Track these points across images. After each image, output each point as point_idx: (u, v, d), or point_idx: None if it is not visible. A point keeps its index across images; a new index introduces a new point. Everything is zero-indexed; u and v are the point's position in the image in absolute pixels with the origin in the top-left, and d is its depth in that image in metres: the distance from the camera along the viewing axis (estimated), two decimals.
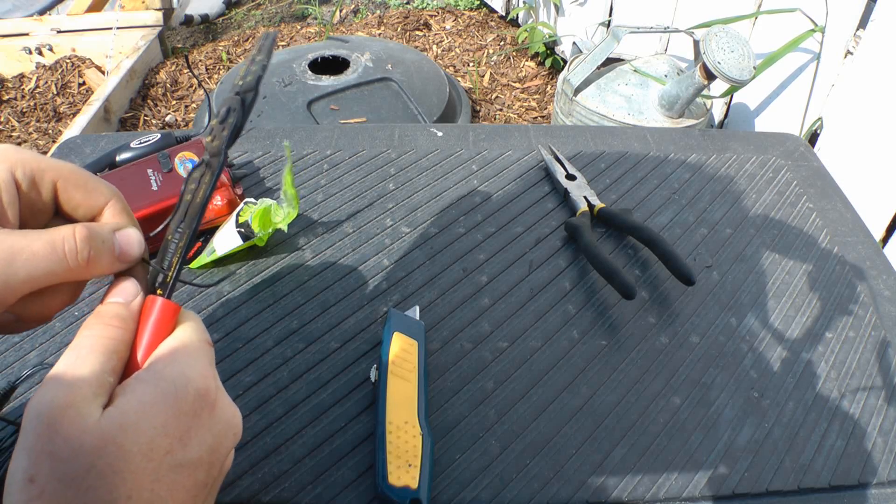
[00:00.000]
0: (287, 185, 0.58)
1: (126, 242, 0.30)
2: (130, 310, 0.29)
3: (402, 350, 0.50)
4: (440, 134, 0.76)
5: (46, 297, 0.29)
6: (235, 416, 0.29)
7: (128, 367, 0.28)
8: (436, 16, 2.67)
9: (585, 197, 0.66)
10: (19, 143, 1.96)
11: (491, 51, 2.43)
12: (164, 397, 0.26)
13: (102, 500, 0.23)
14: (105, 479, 0.24)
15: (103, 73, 2.17)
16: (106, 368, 0.27)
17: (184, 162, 0.61)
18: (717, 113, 1.71)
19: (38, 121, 2.04)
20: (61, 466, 0.23)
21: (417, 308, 0.55)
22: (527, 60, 2.37)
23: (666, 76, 1.52)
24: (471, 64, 2.35)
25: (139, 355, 0.28)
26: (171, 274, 0.30)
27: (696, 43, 1.43)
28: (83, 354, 0.27)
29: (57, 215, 0.31)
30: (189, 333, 0.29)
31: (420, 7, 2.73)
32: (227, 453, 0.29)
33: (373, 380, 0.50)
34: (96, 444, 0.24)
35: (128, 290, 0.30)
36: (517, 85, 2.26)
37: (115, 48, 2.19)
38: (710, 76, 1.35)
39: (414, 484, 0.43)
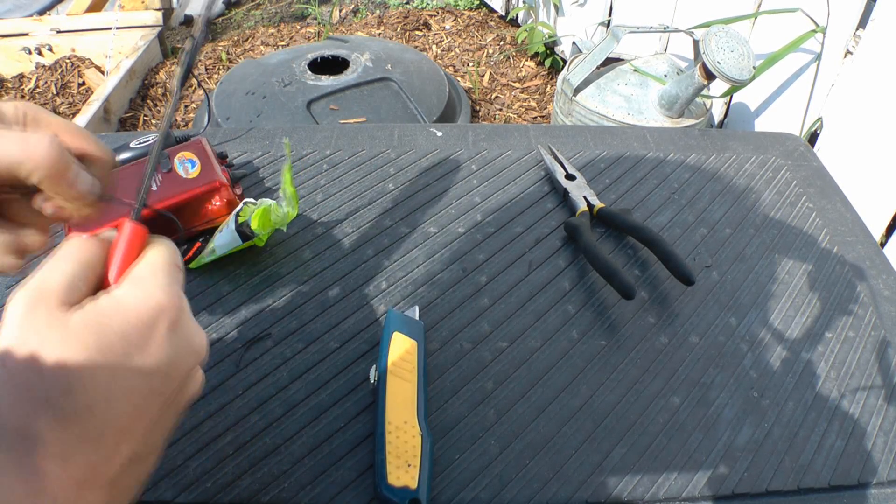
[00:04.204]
0: (286, 184, 0.58)
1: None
2: (106, 234, 0.32)
3: (401, 350, 0.50)
4: (440, 134, 0.76)
5: (18, 228, 0.33)
6: (198, 337, 0.31)
7: (101, 285, 0.30)
8: (435, 16, 2.67)
9: (585, 197, 0.66)
10: None
11: (491, 51, 2.43)
12: (126, 308, 0.28)
13: (61, 386, 0.26)
14: (66, 370, 0.26)
15: (103, 73, 2.17)
16: (78, 275, 0.29)
17: (183, 162, 0.61)
18: (717, 113, 1.71)
19: None
20: (28, 353, 0.26)
21: (417, 308, 0.55)
22: (526, 60, 2.37)
23: (665, 76, 1.52)
24: (470, 64, 2.35)
25: (111, 275, 0.30)
26: (139, 199, 0.33)
27: (695, 43, 1.43)
28: (59, 261, 0.29)
29: None
30: (158, 255, 0.32)
31: (420, 7, 2.73)
32: (187, 371, 0.30)
33: (372, 380, 0.50)
34: (60, 336, 0.26)
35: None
36: (517, 85, 2.26)
37: (114, 48, 2.19)
38: (710, 76, 1.35)
39: (413, 484, 0.43)
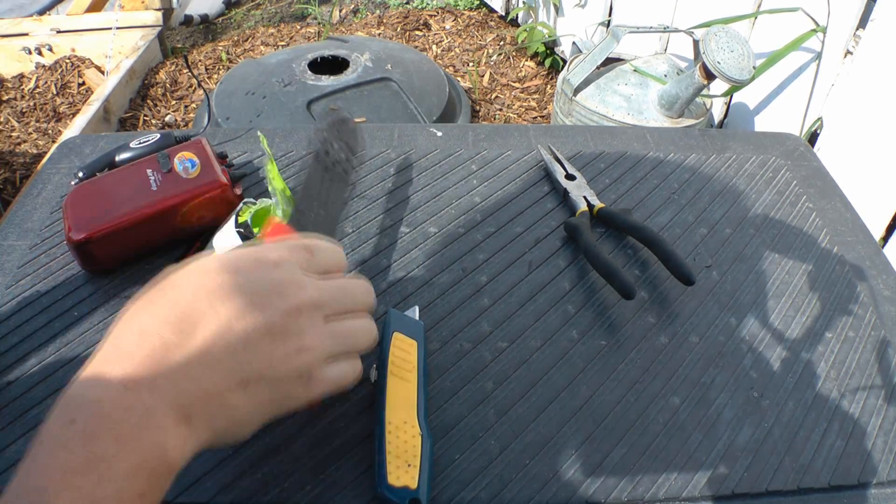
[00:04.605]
0: (275, 179, 0.58)
1: None
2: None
3: (401, 350, 0.50)
4: (440, 134, 0.76)
5: None
6: (293, 283, 0.36)
7: None
8: (435, 16, 2.66)
9: (585, 197, 0.66)
10: (19, 144, 1.96)
11: (490, 51, 2.43)
12: (247, 250, 0.36)
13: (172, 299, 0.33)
14: (174, 283, 0.34)
15: (103, 73, 2.17)
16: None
17: (183, 162, 0.61)
18: (717, 113, 1.71)
19: (37, 121, 2.04)
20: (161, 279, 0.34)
21: (417, 308, 0.55)
22: (526, 60, 2.37)
23: (665, 76, 1.52)
24: (470, 64, 2.35)
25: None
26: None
27: (695, 43, 1.43)
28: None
29: None
30: (295, 236, 0.39)
31: (420, 7, 2.73)
32: (293, 305, 0.34)
33: (372, 380, 0.50)
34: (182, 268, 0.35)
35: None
36: (517, 85, 2.26)
37: (114, 48, 2.19)
38: (710, 76, 1.35)
39: (413, 484, 0.43)
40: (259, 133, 0.57)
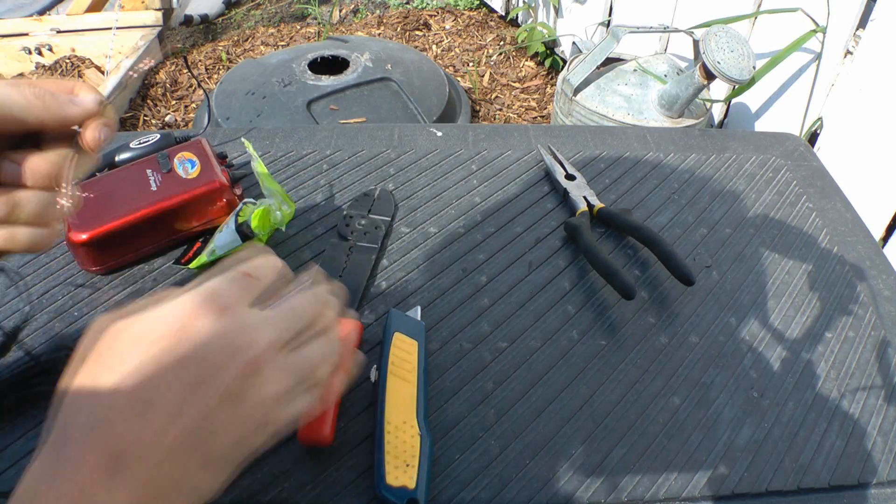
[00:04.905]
0: (267, 182, 0.58)
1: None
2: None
3: (402, 350, 0.50)
4: (440, 134, 0.76)
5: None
6: (245, 334, 0.31)
7: None
8: (435, 16, 2.66)
9: (585, 197, 0.66)
10: None
11: (491, 51, 2.43)
12: (184, 297, 0.32)
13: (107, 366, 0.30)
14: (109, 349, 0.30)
15: (103, 73, 2.16)
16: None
17: (183, 162, 0.61)
18: (717, 113, 1.71)
19: None
20: (92, 342, 0.31)
21: (419, 308, 0.55)
22: (526, 60, 2.37)
23: (666, 76, 1.52)
24: (470, 64, 2.35)
25: None
26: None
27: (695, 43, 1.43)
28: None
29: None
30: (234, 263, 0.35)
31: (420, 7, 2.73)
32: (236, 365, 0.30)
33: (372, 380, 0.50)
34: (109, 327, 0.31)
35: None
36: (517, 85, 2.26)
37: (114, 48, 2.19)
38: (710, 76, 1.35)
39: (411, 484, 0.43)
40: (243, 140, 0.57)
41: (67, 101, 0.34)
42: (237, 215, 0.58)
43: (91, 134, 0.35)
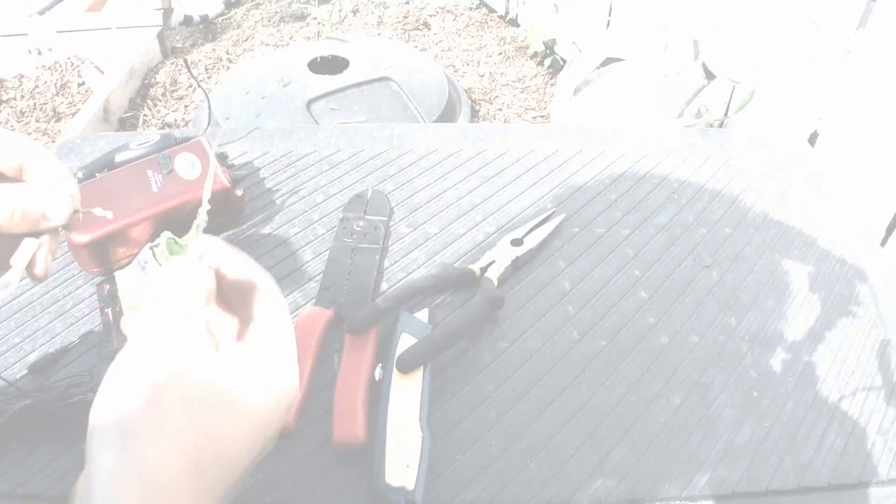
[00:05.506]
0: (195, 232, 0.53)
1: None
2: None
3: None
4: (440, 134, 0.76)
5: None
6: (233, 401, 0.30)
7: None
8: (435, 15, 2.66)
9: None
10: None
11: (491, 51, 2.43)
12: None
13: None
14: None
15: (103, 73, 2.16)
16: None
17: (184, 163, 0.61)
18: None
19: (37, 121, 2.04)
20: None
21: (427, 310, 0.55)
22: (526, 60, 2.37)
23: (666, 76, 1.52)
24: (470, 64, 2.35)
25: None
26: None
27: (695, 43, 1.43)
28: None
29: None
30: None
31: (420, 7, 2.73)
32: (215, 437, 0.29)
33: (377, 378, 0.50)
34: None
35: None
36: (517, 85, 2.26)
37: (114, 48, 2.19)
38: (710, 76, 1.35)
39: (410, 484, 0.43)
40: (200, 213, 0.51)
41: (40, 217, 0.35)
42: (152, 247, 0.56)
43: (41, 264, 0.37)
